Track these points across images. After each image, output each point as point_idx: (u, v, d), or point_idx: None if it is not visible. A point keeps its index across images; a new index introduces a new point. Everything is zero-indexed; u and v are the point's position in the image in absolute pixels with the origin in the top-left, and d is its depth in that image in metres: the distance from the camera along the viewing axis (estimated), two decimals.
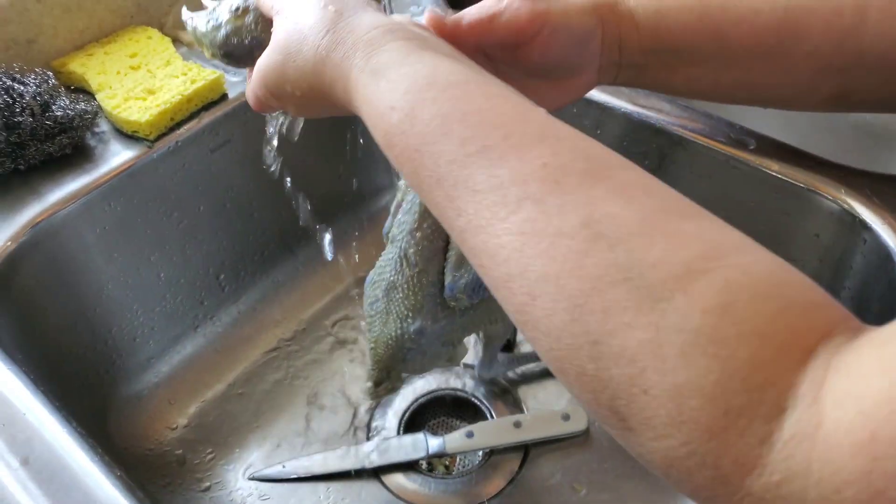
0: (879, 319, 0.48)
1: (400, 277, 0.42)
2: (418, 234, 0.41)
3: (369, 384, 0.50)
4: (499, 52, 0.40)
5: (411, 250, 0.41)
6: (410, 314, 0.43)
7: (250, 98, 0.38)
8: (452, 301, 0.42)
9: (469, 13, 0.38)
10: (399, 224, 0.42)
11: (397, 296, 0.43)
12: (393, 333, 0.44)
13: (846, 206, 0.50)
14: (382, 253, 0.44)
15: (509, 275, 0.25)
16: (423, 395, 0.62)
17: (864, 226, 0.49)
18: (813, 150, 0.54)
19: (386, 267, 0.43)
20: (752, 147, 0.53)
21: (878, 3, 0.39)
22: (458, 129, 0.27)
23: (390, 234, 0.43)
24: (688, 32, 0.41)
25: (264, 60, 0.35)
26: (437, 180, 0.27)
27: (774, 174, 0.52)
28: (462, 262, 0.41)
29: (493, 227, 0.25)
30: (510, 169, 0.26)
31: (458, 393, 0.62)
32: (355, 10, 0.33)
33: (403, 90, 0.29)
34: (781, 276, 0.23)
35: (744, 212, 0.56)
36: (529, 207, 0.25)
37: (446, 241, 0.42)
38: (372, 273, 0.45)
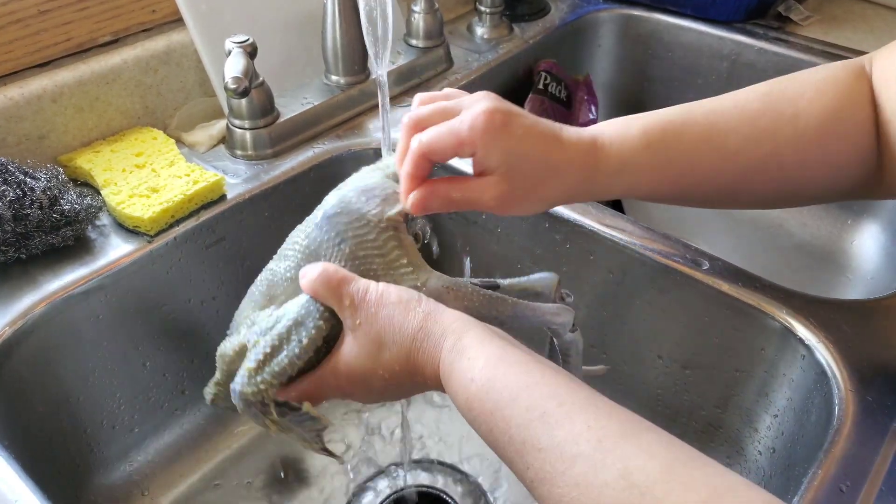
0: (817, 428, 0.53)
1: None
2: None
3: (210, 390, 0.50)
4: None
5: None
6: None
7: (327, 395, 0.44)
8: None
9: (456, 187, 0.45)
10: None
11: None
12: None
13: (787, 325, 0.55)
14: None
15: None
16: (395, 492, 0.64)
17: (803, 343, 0.55)
18: (761, 266, 0.60)
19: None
20: (705, 268, 0.59)
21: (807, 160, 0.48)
22: (523, 397, 0.35)
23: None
24: (653, 186, 0.49)
25: (351, 354, 0.41)
26: (509, 439, 0.35)
27: (725, 293, 0.58)
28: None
29: (555, 479, 0.33)
30: (565, 431, 0.34)
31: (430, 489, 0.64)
32: (438, 310, 0.41)
33: (481, 366, 0.37)
34: None
35: (698, 325, 0.62)
36: (581, 463, 0.32)
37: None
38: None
